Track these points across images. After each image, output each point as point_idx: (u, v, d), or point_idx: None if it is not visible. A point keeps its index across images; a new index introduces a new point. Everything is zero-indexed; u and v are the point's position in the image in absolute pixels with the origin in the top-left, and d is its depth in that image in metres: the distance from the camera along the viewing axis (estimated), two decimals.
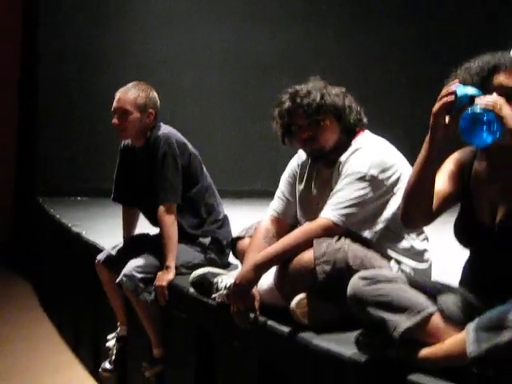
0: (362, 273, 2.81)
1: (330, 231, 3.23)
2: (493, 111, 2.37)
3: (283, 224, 3.58)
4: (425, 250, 3.42)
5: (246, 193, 8.01)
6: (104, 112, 7.43)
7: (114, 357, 4.65)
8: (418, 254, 3.37)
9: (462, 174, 2.80)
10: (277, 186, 3.70)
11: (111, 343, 4.68)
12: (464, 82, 2.58)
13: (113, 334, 4.70)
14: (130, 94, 4.29)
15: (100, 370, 4.76)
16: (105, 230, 5.66)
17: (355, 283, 2.74)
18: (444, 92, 2.50)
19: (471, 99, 2.43)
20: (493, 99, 2.41)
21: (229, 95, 8.77)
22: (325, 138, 3.41)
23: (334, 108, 3.41)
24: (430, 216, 2.74)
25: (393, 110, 8.94)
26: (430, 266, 3.43)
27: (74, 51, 8.31)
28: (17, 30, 9.09)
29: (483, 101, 2.40)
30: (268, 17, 8.83)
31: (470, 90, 2.47)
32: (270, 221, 3.63)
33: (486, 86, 2.56)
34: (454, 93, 2.46)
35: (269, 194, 3.79)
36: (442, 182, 2.80)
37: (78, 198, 8.16)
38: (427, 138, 2.58)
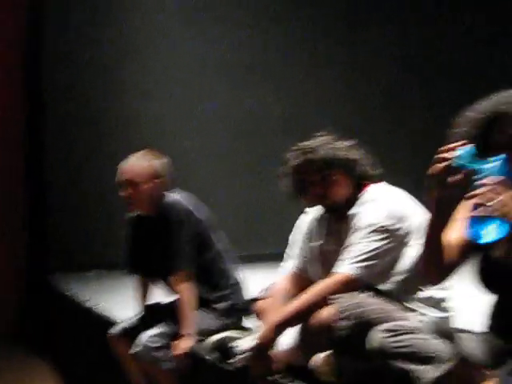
0: (383, 325, 2.78)
1: (348, 285, 3.19)
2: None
3: (302, 281, 3.54)
4: (444, 299, 3.37)
5: (255, 257, 7.96)
6: (114, 186, 7.47)
7: None
8: (437, 303, 3.32)
9: None
10: (284, 249, 3.67)
11: None
12: (464, 136, 2.55)
13: None
14: (137, 165, 4.26)
15: None
16: (119, 302, 5.60)
17: (377, 336, 2.71)
18: (440, 156, 2.45)
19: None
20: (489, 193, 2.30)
21: (231, 159, 8.78)
22: (337, 192, 3.39)
23: (345, 162, 3.39)
24: (451, 269, 2.69)
25: (405, 157, 8.92)
26: (451, 314, 3.38)
27: (81, 117, 8.33)
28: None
29: (482, 198, 2.30)
30: (272, 77, 8.87)
31: (466, 157, 2.40)
32: (289, 279, 3.59)
33: (486, 142, 2.54)
34: (450, 159, 2.41)
35: (277, 257, 3.75)
36: (457, 230, 2.77)
37: (88, 274, 8.10)
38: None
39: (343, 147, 3.44)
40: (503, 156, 2.37)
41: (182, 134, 8.52)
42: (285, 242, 3.69)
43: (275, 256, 3.73)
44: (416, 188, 3.51)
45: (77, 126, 8.33)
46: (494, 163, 2.36)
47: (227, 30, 8.76)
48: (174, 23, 8.65)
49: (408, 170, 8.29)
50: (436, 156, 2.45)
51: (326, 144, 3.42)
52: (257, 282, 3.92)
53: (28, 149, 8.91)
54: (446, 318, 3.32)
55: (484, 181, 2.32)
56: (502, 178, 2.32)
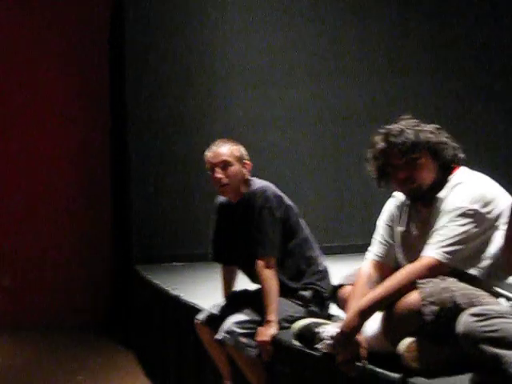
0: (472, 309, 2.73)
1: (435, 270, 3.13)
2: None
3: (385, 268, 3.49)
4: None
5: (340, 248, 7.93)
6: (195, 179, 7.52)
7: None
8: None
9: None
10: (370, 240, 3.63)
11: None
12: None
13: None
14: (223, 148, 4.31)
15: None
16: (203, 293, 5.64)
17: (466, 320, 2.65)
18: None
19: None
20: None
21: (317, 151, 8.76)
22: (422, 176, 3.33)
23: (429, 145, 3.33)
24: None
25: (490, 143, 8.78)
26: None
27: (162, 112, 8.42)
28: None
29: None
30: (351, 70, 8.83)
31: None
32: (372, 266, 3.55)
33: None
34: None
35: (363, 249, 3.71)
36: None
37: (174, 264, 8.19)
38: None
39: (428, 130, 3.38)
40: None
41: (266, 126, 8.55)
42: (371, 233, 3.64)
43: (361, 247, 3.69)
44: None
45: (158, 123, 8.44)
46: None
47: (308, 23, 8.77)
48: (253, 17, 8.69)
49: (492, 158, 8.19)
50: None
51: (410, 127, 3.36)
52: (342, 272, 3.87)
53: (113, 148, 9.11)
54: None
55: None
56: None
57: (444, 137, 3.41)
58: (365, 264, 3.58)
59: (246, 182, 4.31)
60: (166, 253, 8.32)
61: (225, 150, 4.30)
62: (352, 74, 8.82)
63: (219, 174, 4.27)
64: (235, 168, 4.27)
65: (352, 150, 8.19)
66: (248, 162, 4.34)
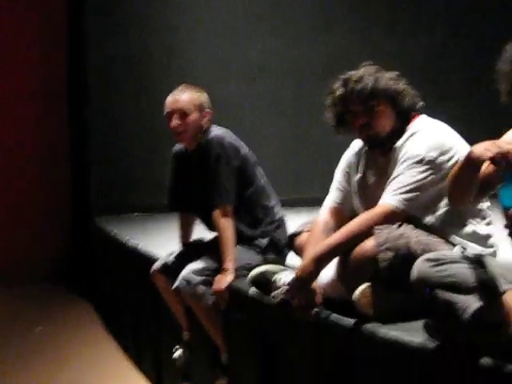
0: (426, 255, 2.73)
1: (392, 217, 3.13)
2: None
3: (342, 215, 3.49)
4: (490, 235, 3.29)
5: (300, 201, 7.91)
6: (155, 129, 7.44)
7: (184, 367, 4.57)
8: (482, 239, 3.25)
9: None
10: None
11: (178, 352, 4.59)
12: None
13: (178, 345, 4.63)
14: (185, 95, 4.25)
15: None
16: (161, 243, 5.60)
17: (420, 266, 2.65)
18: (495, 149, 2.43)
19: None
20: None
21: (278, 102, 8.72)
22: (380, 123, 3.32)
23: (388, 92, 3.32)
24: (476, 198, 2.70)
25: (447, 91, 8.78)
26: (496, 250, 3.30)
27: (123, 59, 8.33)
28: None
29: None
30: (313, 23, 8.78)
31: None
32: (329, 213, 3.54)
33: None
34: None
35: (322, 202, 3.70)
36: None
37: (135, 214, 8.14)
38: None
39: (387, 78, 3.35)
40: None
41: (228, 78, 8.49)
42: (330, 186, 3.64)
43: (320, 200, 3.68)
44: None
45: (120, 72, 8.34)
46: None
47: None
48: None
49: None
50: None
51: (369, 74, 3.34)
52: (299, 223, 3.86)
53: (71, 99, 8.98)
54: (491, 254, 3.24)
55: None
56: None
57: (403, 84, 3.39)
58: (322, 211, 3.57)
59: (205, 131, 4.26)
60: (125, 203, 8.25)
61: (184, 97, 4.24)
62: (314, 28, 8.76)
63: (174, 122, 4.22)
64: (192, 117, 4.21)
65: (312, 103, 8.11)
66: (208, 111, 4.27)
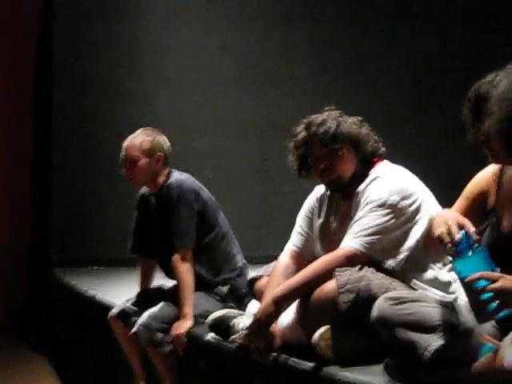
0: (387, 294, 2.71)
1: (353, 259, 3.11)
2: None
3: (302, 259, 3.45)
4: (451, 281, 3.27)
5: (264, 259, 7.87)
6: (118, 180, 7.39)
7: None
8: (443, 285, 3.23)
9: (485, 194, 2.72)
10: None
11: None
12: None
13: None
14: (135, 140, 4.27)
15: None
16: (120, 293, 5.51)
17: (381, 304, 2.63)
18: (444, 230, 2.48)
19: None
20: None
21: (243, 159, 8.72)
22: (342, 167, 3.32)
23: (351, 137, 3.33)
24: None
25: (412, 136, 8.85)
26: (457, 297, 3.28)
27: (85, 112, 8.30)
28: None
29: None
30: (278, 79, 8.83)
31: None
32: (289, 257, 3.51)
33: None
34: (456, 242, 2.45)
35: None
36: (462, 209, 2.73)
37: (95, 268, 8.05)
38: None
39: (350, 122, 3.36)
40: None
41: (191, 132, 8.49)
42: None
43: None
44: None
45: (81, 121, 8.31)
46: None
47: (237, 28, 8.74)
48: (181, 17, 8.60)
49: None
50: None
51: (332, 118, 3.35)
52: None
53: (36, 145, 8.89)
54: (451, 300, 3.22)
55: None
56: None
57: (365, 129, 3.41)
58: (283, 255, 3.54)
59: (162, 173, 4.25)
60: (85, 256, 8.15)
61: (135, 142, 4.26)
62: (279, 83, 8.81)
63: (124, 170, 4.26)
64: (142, 163, 4.22)
65: (278, 158, 8.13)
66: (160, 154, 4.26)
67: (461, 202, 2.79)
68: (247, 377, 3.45)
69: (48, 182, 8.42)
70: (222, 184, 8.28)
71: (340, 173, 3.32)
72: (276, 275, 3.42)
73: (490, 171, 2.74)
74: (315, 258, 3.41)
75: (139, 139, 4.26)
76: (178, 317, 4.04)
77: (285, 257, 3.52)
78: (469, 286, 2.37)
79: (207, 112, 8.57)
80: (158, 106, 8.42)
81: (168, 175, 4.25)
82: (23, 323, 8.70)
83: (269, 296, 3.19)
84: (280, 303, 3.12)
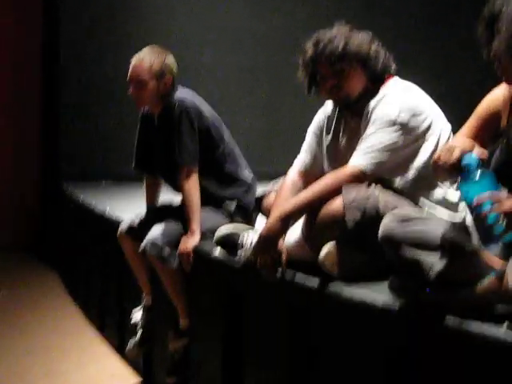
0: (394, 212, 2.69)
1: (360, 178, 3.08)
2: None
3: (310, 177, 3.41)
4: (459, 201, 3.25)
5: (272, 174, 7.85)
6: (126, 97, 7.37)
7: (141, 331, 4.51)
8: (452, 205, 3.20)
9: (496, 115, 2.68)
10: None
11: (138, 316, 4.54)
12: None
13: (138, 308, 4.57)
14: (144, 61, 4.16)
15: (127, 349, 4.62)
16: (129, 208, 5.52)
17: (387, 223, 2.61)
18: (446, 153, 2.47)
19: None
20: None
21: (251, 73, 8.65)
22: (350, 86, 3.27)
23: (359, 55, 3.25)
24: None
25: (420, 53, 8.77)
26: (465, 216, 3.26)
27: (95, 35, 8.24)
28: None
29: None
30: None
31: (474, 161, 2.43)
32: (297, 173, 3.49)
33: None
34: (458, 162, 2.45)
35: None
36: (473, 129, 2.69)
37: (103, 182, 8.06)
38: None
39: (359, 39, 3.28)
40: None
41: (200, 47, 8.41)
42: None
43: None
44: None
45: (90, 42, 8.26)
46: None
47: None
48: None
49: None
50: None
51: (340, 35, 3.27)
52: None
53: (43, 66, 8.86)
54: (459, 219, 3.21)
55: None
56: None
57: (376, 47, 3.33)
58: (290, 171, 3.51)
59: (166, 96, 4.19)
60: (94, 171, 8.17)
61: (144, 64, 4.15)
62: (288, 2, 8.71)
63: (131, 90, 4.19)
64: (150, 86, 4.15)
65: (287, 73, 8.07)
66: (169, 77, 4.18)
67: (472, 121, 2.76)
68: (255, 292, 3.47)
69: (57, 99, 8.40)
70: (229, 98, 8.26)
71: (348, 91, 3.27)
72: (283, 192, 3.40)
73: (501, 91, 2.69)
74: (323, 174, 3.39)
75: (149, 60, 4.15)
76: (185, 232, 4.03)
77: (292, 173, 3.49)
78: (475, 209, 2.35)
79: (213, 25, 8.49)
80: (165, 23, 8.35)
81: (171, 93, 4.18)
82: (36, 238, 8.81)
83: (275, 213, 3.17)
84: (286, 220, 3.11)
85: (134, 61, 4.21)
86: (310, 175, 3.44)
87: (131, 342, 4.56)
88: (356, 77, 3.27)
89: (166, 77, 4.18)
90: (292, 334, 3.18)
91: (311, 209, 3.08)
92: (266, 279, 3.18)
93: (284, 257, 3.14)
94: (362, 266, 2.99)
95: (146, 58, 4.17)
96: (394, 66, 3.36)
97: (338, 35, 3.28)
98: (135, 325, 4.57)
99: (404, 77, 3.39)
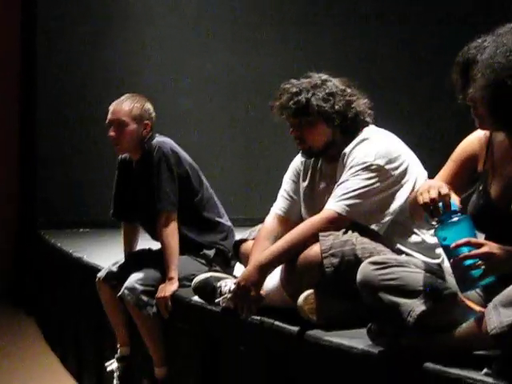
0: (372, 258, 2.70)
1: (336, 222, 3.10)
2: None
3: (288, 223, 3.44)
4: (436, 245, 3.27)
5: (248, 222, 7.86)
6: (103, 142, 7.37)
7: (116, 381, 4.48)
8: (429, 249, 3.23)
9: (473, 159, 2.71)
10: None
11: (113, 366, 4.51)
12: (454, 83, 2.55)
13: (112, 360, 4.54)
14: (124, 105, 4.21)
15: None
16: (106, 255, 5.51)
17: (365, 268, 2.62)
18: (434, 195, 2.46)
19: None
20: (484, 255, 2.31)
21: (227, 122, 8.69)
22: (312, 138, 3.33)
23: (321, 112, 3.28)
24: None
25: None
26: (443, 261, 3.28)
27: (72, 72, 8.27)
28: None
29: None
30: (265, 41, 8.79)
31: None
32: (274, 220, 3.50)
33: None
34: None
35: None
36: (450, 174, 2.72)
37: (80, 230, 8.04)
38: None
39: (327, 92, 3.30)
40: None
41: (177, 94, 8.45)
42: None
43: None
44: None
45: (66, 84, 8.28)
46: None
47: None
48: None
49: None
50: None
51: (309, 88, 3.30)
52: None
53: (21, 106, 8.87)
54: (436, 264, 3.22)
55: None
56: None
57: (349, 96, 3.34)
58: (268, 218, 3.53)
59: (145, 141, 4.21)
60: (71, 218, 8.15)
61: (124, 107, 4.19)
62: (265, 45, 8.77)
63: (111, 133, 4.19)
64: (130, 128, 4.17)
65: (264, 120, 8.13)
66: (147, 122, 4.22)
67: (448, 165, 2.78)
68: (233, 339, 3.46)
69: (33, 148, 8.41)
70: (206, 146, 8.28)
71: (310, 143, 3.33)
72: (261, 239, 3.41)
73: (478, 136, 2.72)
74: (301, 221, 3.41)
75: (128, 104, 4.20)
76: (163, 280, 4.03)
77: (270, 220, 3.51)
78: (452, 253, 2.36)
79: (193, 73, 8.54)
80: (145, 68, 8.40)
81: (149, 140, 4.20)
82: (12, 285, 8.75)
83: (253, 262, 3.18)
84: (264, 270, 3.13)
85: (114, 105, 4.24)
86: (287, 222, 3.46)
87: None
88: (318, 130, 3.31)
89: (145, 122, 4.21)
90: (270, 379, 3.17)
91: (289, 257, 3.10)
92: (244, 318, 3.19)
93: (262, 305, 3.14)
94: (341, 312, 3.00)
95: (125, 103, 4.22)
96: (368, 117, 3.38)
97: (307, 87, 3.31)
98: (112, 372, 4.53)
99: (379, 122, 3.42)
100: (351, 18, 9.02)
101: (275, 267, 3.17)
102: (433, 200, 2.44)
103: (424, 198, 2.47)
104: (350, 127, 3.33)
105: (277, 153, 7.52)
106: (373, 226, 3.14)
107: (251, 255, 3.34)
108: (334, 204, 3.14)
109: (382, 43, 9.05)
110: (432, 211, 2.44)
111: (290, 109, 3.29)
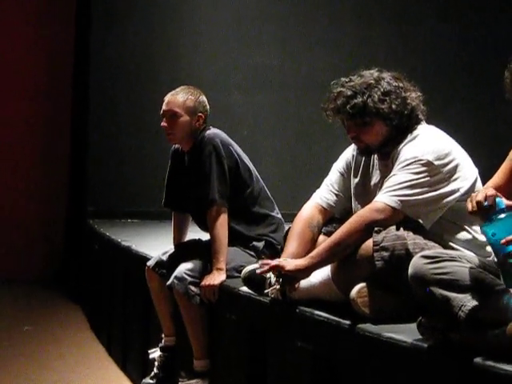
0: (424, 252, 2.70)
1: (385, 214, 3.09)
2: None
3: (327, 214, 3.50)
4: (485, 244, 3.25)
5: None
6: (154, 135, 7.41)
7: (156, 370, 4.51)
8: (480, 247, 3.20)
9: None
10: None
11: (155, 354, 4.55)
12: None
13: (155, 349, 4.58)
14: (179, 96, 4.25)
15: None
16: (154, 245, 5.56)
17: (417, 262, 2.63)
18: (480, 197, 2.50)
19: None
20: None
21: (279, 117, 8.70)
22: (369, 138, 3.32)
23: (379, 113, 3.27)
24: None
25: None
26: (493, 259, 3.26)
27: (124, 78, 8.35)
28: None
29: None
30: (318, 37, 8.78)
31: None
32: (314, 208, 3.51)
33: None
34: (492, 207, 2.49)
35: None
36: (505, 173, 2.71)
37: (129, 221, 8.12)
38: None
39: (383, 92, 3.28)
40: None
41: (230, 89, 8.48)
42: None
43: None
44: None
45: (120, 78, 8.36)
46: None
47: None
48: None
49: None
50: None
51: (363, 89, 3.28)
52: None
53: (73, 105, 8.99)
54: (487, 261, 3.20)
55: None
56: None
57: (402, 95, 3.31)
58: (308, 204, 3.55)
59: (198, 133, 4.24)
60: (120, 210, 8.23)
61: (178, 99, 4.24)
62: (320, 40, 8.77)
63: (164, 123, 4.24)
64: (183, 120, 4.22)
65: (315, 115, 8.13)
66: (201, 115, 4.26)
67: (505, 164, 2.78)
68: (280, 330, 3.47)
69: (85, 139, 8.49)
70: (256, 140, 8.30)
71: (368, 142, 3.32)
72: (300, 226, 3.45)
73: None
74: (344, 214, 3.45)
75: (183, 96, 4.24)
76: (212, 271, 4.06)
77: (311, 208, 3.52)
78: (500, 250, 2.36)
79: (240, 65, 8.57)
80: (198, 64, 8.45)
81: (202, 132, 4.24)
82: (61, 273, 8.88)
83: (306, 259, 3.21)
84: (315, 268, 3.18)
85: (169, 96, 4.29)
86: (327, 213, 3.50)
87: (146, 380, 4.56)
88: (375, 130, 3.30)
89: (199, 114, 4.24)
90: (316, 373, 3.18)
91: (342, 253, 3.11)
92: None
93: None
94: (391, 307, 2.99)
95: (180, 94, 4.26)
96: (421, 114, 3.36)
97: (362, 87, 3.29)
98: (154, 360, 4.56)
99: (432, 123, 3.42)
100: (404, 15, 8.99)
101: (328, 264, 3.19)
102: (479, 203, 2.44)
103: (473, 206, 2.47)
104: (405, 124, 3.32)
105: (326, 149, 7.50)
106: (420, 220, 3.13)
107: (288, 241, 3.41)
108: (382, 196, 3.14)
109: (440, 43, 9.01)
110: (481, 214, 2.45)
111: (346, 113, 3.29)
